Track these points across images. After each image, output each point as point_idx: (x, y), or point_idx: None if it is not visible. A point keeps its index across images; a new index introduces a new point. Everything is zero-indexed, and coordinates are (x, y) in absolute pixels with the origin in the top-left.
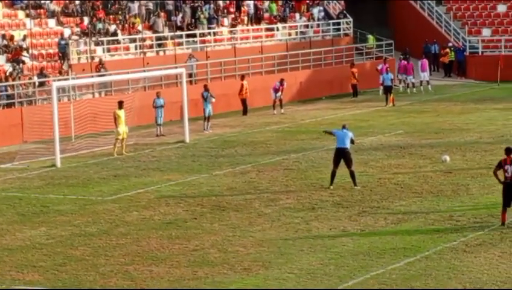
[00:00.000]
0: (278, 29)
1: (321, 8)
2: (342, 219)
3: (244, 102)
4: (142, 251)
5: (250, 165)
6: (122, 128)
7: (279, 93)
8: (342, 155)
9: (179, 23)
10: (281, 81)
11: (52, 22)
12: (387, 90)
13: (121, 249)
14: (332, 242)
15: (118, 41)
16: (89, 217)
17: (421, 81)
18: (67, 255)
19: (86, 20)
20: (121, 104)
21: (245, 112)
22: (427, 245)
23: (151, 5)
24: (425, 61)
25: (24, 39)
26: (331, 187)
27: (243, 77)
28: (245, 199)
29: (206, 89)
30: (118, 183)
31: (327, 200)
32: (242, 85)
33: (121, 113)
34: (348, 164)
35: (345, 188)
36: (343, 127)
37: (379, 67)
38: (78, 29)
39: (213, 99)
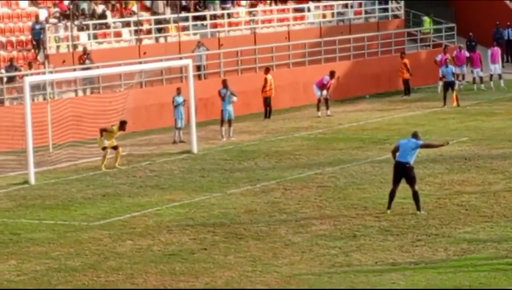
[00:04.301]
0: (309, 10)
1: None
2: (391, 250)
3: (268, 101)
4: None
5: (275, 182)
6: (108, 141)
7: (325, 91)
8: (400, 171)
9: (184, 3)
10: (331, 74)
11: (24, 2)
12: (449, 86)
13: (111, 288)
14: (378, 279)
15: (107, 26)
16: (70, 248)
17: (491, 75)
18: None
19: None
20: (123, 125)
21: (268, 114)
22: (500, 283)
23: None
24: (497, 50)
25: None
26: (388, 212)
27: (267, 70)
28: (268, 225)
29: (224, 85)
30: (107, 204)
31: (372, 226)
32: (266, 80)
33: (117, 133)
34: (410, 182)
35: (395, 211)
36: (413, 135)
37: (438, 58)
38: (57, 9)
39: (234, 98)
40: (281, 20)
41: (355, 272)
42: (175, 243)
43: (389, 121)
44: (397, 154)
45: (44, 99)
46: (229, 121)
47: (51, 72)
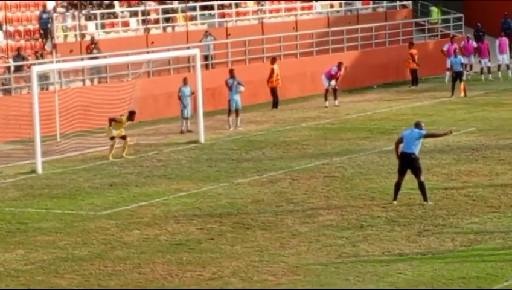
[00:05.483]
0: (316, 0)
1: None
2: (397, 240)
3: (274, 91)
4: (144, 280)
5: (282, 172)
6: (117, 131)
7: (334, 81)
8: (406, 162)
9: None
10: (339, 66)
11: None
12: (457, 77)
13: (118, 278)
14: (385, 269)
15: (114, 15)
16: (77, 237)
17: (499, 66)
18: (51, 285)
19: None
20: (132, 115)
21: (275, 104)
22: (506, 274)
23: None
24: (505, 41)
25: None
26: (395, 203)
27: (273, 60)
28: (275, 215)
29: (232, 75)
30: (114, 194)
31: (379, 217)
32: (272, 70)
33: (126, 123)
34: (415, 173)
35: (402, 201)
36: (416, 125)
37: (445, 48)
38: None
39: (242, 88)
40: (288, 10)
41: (362, 262)
42: (182, 232)
43: (397, 111)
44: (402, 145)
45: (46, 89)
46: (237, 111)
47: (59, 62)
